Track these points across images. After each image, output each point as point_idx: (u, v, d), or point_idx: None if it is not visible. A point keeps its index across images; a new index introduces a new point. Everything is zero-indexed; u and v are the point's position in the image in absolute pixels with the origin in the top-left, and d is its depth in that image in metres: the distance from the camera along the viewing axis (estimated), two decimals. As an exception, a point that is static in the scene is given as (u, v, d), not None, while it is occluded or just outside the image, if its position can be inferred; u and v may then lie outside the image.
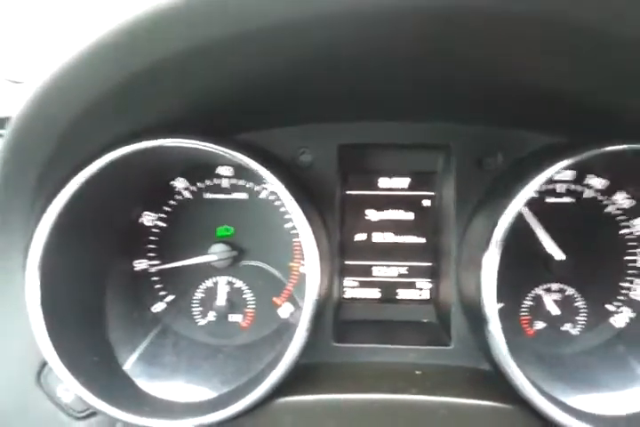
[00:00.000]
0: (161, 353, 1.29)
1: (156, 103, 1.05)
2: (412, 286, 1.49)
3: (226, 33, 0.81)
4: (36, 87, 0.91)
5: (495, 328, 1.05)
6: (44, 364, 1.13)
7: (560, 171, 1.08)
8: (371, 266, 1.49)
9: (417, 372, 1.23)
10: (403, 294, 1.49)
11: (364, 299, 1.50)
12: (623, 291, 1.36)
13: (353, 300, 1.50)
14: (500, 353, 1.05)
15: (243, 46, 0.85)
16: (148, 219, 1.37)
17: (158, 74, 0.91)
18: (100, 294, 1.25)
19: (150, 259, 1.39)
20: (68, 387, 1.04)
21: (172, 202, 1.38)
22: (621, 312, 1.36)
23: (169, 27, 0.81)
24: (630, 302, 1.36)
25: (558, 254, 1.28)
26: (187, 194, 1.38)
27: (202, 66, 0.91)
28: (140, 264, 1.38)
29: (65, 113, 0.95)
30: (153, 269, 1.39)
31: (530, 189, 1.07)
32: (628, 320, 1.36)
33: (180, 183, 1.37)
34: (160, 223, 1.38)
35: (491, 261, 1.07)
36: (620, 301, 1.36)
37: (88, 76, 0.88)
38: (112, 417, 1.05)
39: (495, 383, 1.14)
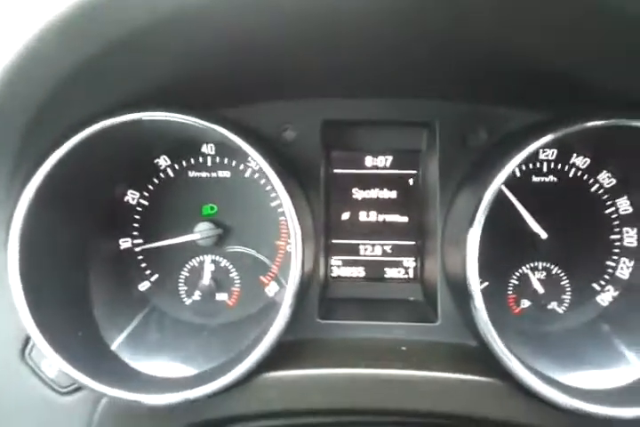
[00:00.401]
0: (146, 331, 1.29)
1: (135, 76, 1.04)
2: (398, 264, 1.49)
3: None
4: (6, 59, 0.89)
5: (480, 303, 1.06)
6: (29, 339, 1.12)
7: (544, 147, 1.08)
8: (357, 245, 1.49)
9: (402, 348, 1.23)
10: (389, 272, 1.49)
11: (351, 277, 1.50)
12: (608, 270, 1.37)
13: (340, 278, 1.50)
14: (485, 327, 1.06)
15: (222, 13, 0.84)
16: (132, 197, 1.37)
17: (136, 45, 0.90)
18: (85, 271, 1.25)
19: (135, 238, 1.38)
20: (52, 362, 1.04)
21: (155, 180, 1.37)
22: (606, 291, 1.37)
23: None
24: (615, 281, 1.37)
25: (541, 233, 1.29)
26: (170, 172, 1.37)
27: (180, 35, 0.90)
28: (125, 243, 1.37)
29: (40, 87, 0.93)
30: (138, 248, 1.38)
31: (513, 165, 1.07)
32: (611, 299, 1.36)
33: (163, 161, 1.37)
34: (144, 202, 1.38)
35: (475, 237, 1.07)
36: (605, 279, 1.37)
37: (60, 47, 0.87)
38: (96, 391, 1.04)
39: (480, 358, 1.15)
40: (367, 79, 1.22)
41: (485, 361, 1.11)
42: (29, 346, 1.14)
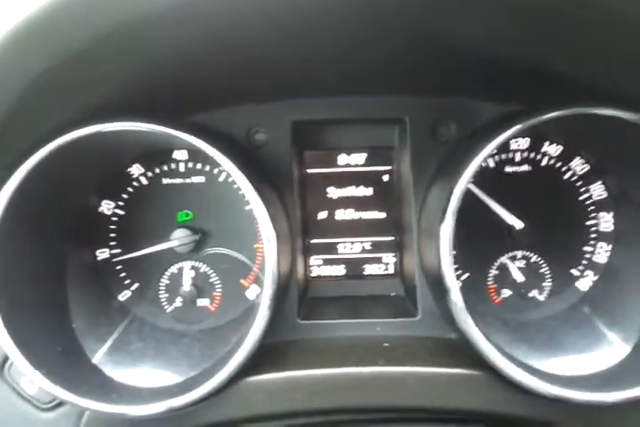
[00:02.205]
0: (128, 341, 1.28)
1: (98, 85, 1.03)
2: (377, 261, 1.49)
3: (163, 5, 0.80)
4: None
5: (456, 296, 1.06)
6: (7, 357, 1.11)
7: (515, 138, 1.07)
8: (335, 243, 1.49)
9: (384, 344, 1.24)
10: (369, 269, 1.49)
11: (331, 276, 1.50)
12: (586, 255, 1.38)
13: (320, 278, 1.50)
14: (462, 319, 1.06)
15: (189, 17, 0.83)
16: (107, 207, 1.36)
17: (95, 54, 0.89)
18: (62, 284, 1.24)
19: (112, 248, 1.37)
20: (31, 379, 1.03)
21: (129, 189, 1.37)
22: (586, 276, 1.38)
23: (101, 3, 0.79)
24: (593, 266, 1.38)
25: (516, 223, 1.29)
26: (144, 180, 1.37)
27: (140, 42, 0.89)
28: (102, 254, 1.37)
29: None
30: (116, 259, 1.37)
31: (481, 157, 1.07)
32: (591, 283, 1.37)
33: (136, 170, 1.36)
34: (119, 211, 1.37)
35: (447, 230, 1.07)
36: (583, 265, 1.38)
37: (19, 58, 0.86)
38: (78, 406, 1.04)
39: (461, 351, 1.16)
40: (336, 77, 1.22)
41: (466, 353, 1.12)
42: (8, 363, 1.13)
